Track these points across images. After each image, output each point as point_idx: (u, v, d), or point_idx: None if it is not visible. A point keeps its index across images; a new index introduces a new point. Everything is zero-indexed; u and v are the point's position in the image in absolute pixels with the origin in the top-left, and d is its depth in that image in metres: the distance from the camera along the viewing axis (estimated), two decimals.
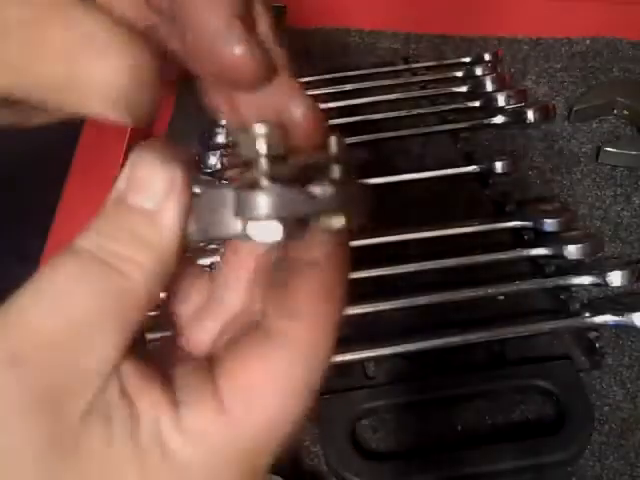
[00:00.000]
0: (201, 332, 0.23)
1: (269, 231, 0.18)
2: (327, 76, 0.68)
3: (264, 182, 0.18)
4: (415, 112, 0.65)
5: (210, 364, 0.21)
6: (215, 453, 0.19)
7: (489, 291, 0.52)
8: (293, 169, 0.19)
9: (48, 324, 0.18)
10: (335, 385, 0.49)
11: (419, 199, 0.60)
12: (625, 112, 0.64)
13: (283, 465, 0.47)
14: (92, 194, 0.49)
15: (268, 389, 0.20)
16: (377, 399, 0.49)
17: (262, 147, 0.18)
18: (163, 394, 0.19)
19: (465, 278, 0.54)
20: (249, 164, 0.18)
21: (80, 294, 0.18)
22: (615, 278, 0.52)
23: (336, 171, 0.19)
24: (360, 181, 0.20)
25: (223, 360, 0.21)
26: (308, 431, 0.49)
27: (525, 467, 0.46)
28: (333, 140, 0.20)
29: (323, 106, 0.66)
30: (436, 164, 0.62)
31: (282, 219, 0.18)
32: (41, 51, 0.19)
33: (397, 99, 0.66)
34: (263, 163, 0.18)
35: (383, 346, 0.50)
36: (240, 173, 0.19)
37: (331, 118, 0.65)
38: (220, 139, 0.62)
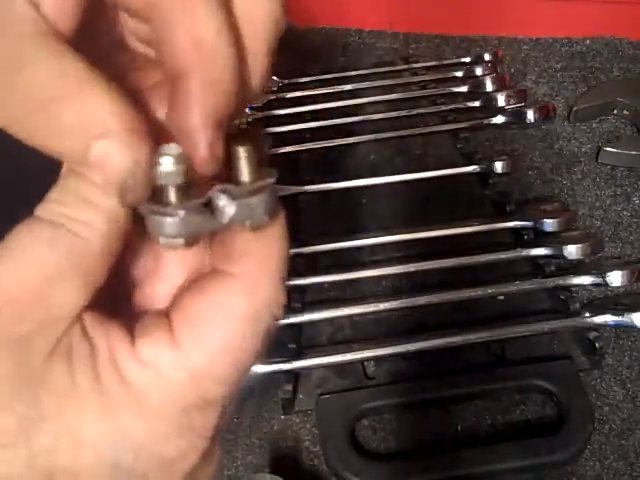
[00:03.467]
0: (157, 293, 0.25)
1: (175, 244, 0.21)
2: (327, 76, 0.68)
3: (169, 207, 0.21)
4: (415, 112, 0.65)
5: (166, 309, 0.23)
6: (169, 379, 0.21)
7: (489, 291, 0.52)
8: (200, 188, 0.21)
9: (12, 280, 0.20)
10: (335, 385, 0.49)
11: (419, 199, 0.60)
12: (625, 112, 0.64)
13: (283, 465, 0.47)
14: None
15: (213, 319, 0.22)
16: (377, 399, 0.49)
17: (169, 172, 0.21)
18: (119, 331, 0.21)
19: (465, 278, 0.54)
20: (160, 187, 0.21)
21: (38, 253, 0.20)
22: (615, 278, 0.52)
23: (243, 186, 0.22)
24: (271, 187, 0.22)
25: (177, 297, 0.23)
26: (308, 431, 0.49)
27: (525, 467, 0.46)
28: (239, 151, 0.22)
29: (324, 106, 0.66)
30: (436, 164, 0.62)
31: (185, 237, 0.21)
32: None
33: (397, 99, 0.67)
34: (170, 189, 0.21)
35: (383, 346, 0.50)
36: (154, 194, 0.21)
37: (331, 118, 0.65)
38: None
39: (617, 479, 0.47)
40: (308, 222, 0.59)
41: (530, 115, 0.64)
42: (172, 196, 0.21)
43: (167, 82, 0.22)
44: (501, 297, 0.53)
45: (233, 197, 0.21)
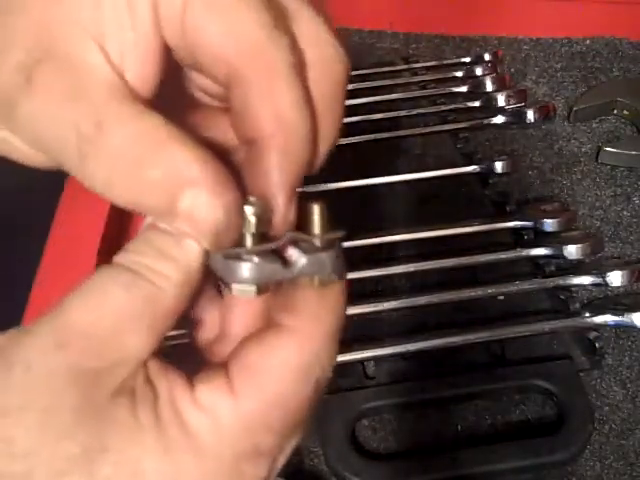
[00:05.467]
0: (221, 348, 0.26)
1: (247, 292, 0.22)
2: None
3: (245, 254, 0.22)
4: (415, 112, 0.65)
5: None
6: (224, 425, 0.22)
7: (489, 291, 0.52)
8: (275, 241, 0.23)
9: (87, 318, 0.21)
10: (335, 385, 0.49)
11: (419, 199, 0.60)
12: (625, 112, 0.64)
13: (283, 465, 0.47)
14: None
15: (268, 371, 0.22)
16: (377, 399, 0.49)
17: (249, 221, 0.22)
18: (180, 378, 0.23)
19: (465, 278, 0.54)
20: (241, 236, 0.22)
21: (115, 297, 0.22)
22: (615, 278, 0.52)
23: (314, 240, 0.23)
24: (339, 245, 0.23)
25: (237, 347, 0.24)
26: (308, 431, 0.49)
27: (525, 467, 0.46)
28: (315, 209, 0.23)
29: None
30: (436, 164, 0.62)
31: (258, 283, 0.22)
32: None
33: (397, 99, 0.66)
34: (247, 236, 0.22)
35: (383, 346, 0.50)
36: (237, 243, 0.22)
37: None
38: None
39: (617, 479, 0.47)
40: None
41: (530, 115, 0.64)
42: (248, 243, 0.22)
43: (242, 141, 0.25)
44: (501, 297, 0.53)
45: (304, 250, 0.23)
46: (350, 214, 0.59)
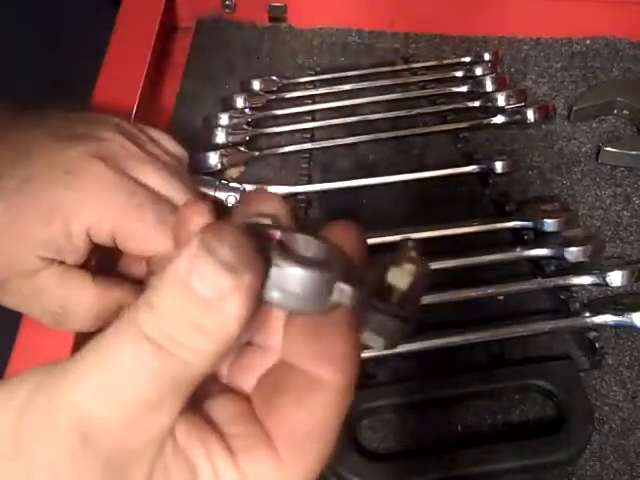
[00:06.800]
0: (246, 377, 0.25)
1: (379, 344, 0.22)
2: (327, 76, 0.68)
3: (401, 311, 0.22)
4: (415, 112, 0.65)
5: (252, 405, 0.23)
6: None
7: (489, 291, 0.52)
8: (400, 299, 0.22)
9: (112, 410, 0.20)
10: None
11: (419, 199, 0.60)
12: (625, 112, 0.64)
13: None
14: None
15: (315, 433, 0.22)
16: (377, 399, 0.49)
17: (401, 283, 0.22)
18: (217, 444, 0.21)
19: (465, 278, 0.54)
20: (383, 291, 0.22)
21: (139, 381, 0.20)
22: (615, 278, 0.52)
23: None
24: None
25: (270, 404, 0.23)
26: None
27: (525, 467, 0.46)
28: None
29: (324, 106, 0.66)
30: (436, 164, 0.62)
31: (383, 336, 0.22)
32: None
33: (397, 99, 0.66)
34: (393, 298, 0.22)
35: None
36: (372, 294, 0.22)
37: (331, 118, 0.65)
38: (220, 139, 0.62)
39: (617, 479, 0.47)
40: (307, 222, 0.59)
41: (530, 115, 0.64)
42: (389, 308, 0.22)
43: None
44: (501, 297, 0.53)
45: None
46: (350, 214, 0.59)
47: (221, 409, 0.23)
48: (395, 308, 0.21)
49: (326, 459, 0.23)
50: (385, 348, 0.22)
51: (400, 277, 0.22)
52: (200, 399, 0.23)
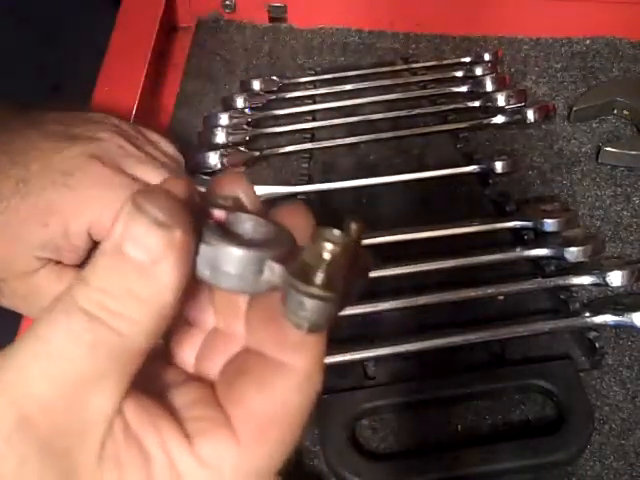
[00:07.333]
0: (211, 364, 0.24)
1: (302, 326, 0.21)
2: (327, 76, 0.68)
3: (318, 291, 0.20)
4: (415, 112, 0.65)
5: (214, 391, 0.23)
6: (229, 477, 0.21)
7: (489, 291, 0.52)
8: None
9: (47, 387, 0.19)
10: (335, 385, 0.49)
11: (419, 199, 0.60)
12: (625, 112, 0.64)
13: (283, 465, 0.47)
14: None
15: (276, 417, 0.21)
16: (377, 399, 0.49)
17: (317, 262, 0.21)
18: (171, 429, 0.21)
19: (465, 278, 0.54)
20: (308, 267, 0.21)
21: (76, 357, 0.20)
22: (615, 278, 0.52)
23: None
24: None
25: (231, 388, 0.22)
26: (308, 431, 0.49)
27: (525, 467, 0.46)
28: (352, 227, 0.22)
29: (324, 106, 0.66)
30: (436, 164, 0.62)
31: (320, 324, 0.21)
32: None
33: (397, 99, 0.66)
34: (321, 273, 0.21)
35: (383, 346, 0.50)
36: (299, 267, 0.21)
37: (331, 118, 0.65)
38: (220, 139, 0.62)
39: (617, 479, 0.47)
40: None
41: (530, 115, 0.64)
42: (319, 281, 0.21)
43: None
44: (501, 297, 0.53)
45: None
46: (350, 214, 0.59)
47: (182, 396, 0.23)
48: (315, 288, 0.20)
49: (292, 444, 0.22)
50: (310, 330, 0.20)
51: (314, 256, 0.21)
52: (165, 389, 0.23)
